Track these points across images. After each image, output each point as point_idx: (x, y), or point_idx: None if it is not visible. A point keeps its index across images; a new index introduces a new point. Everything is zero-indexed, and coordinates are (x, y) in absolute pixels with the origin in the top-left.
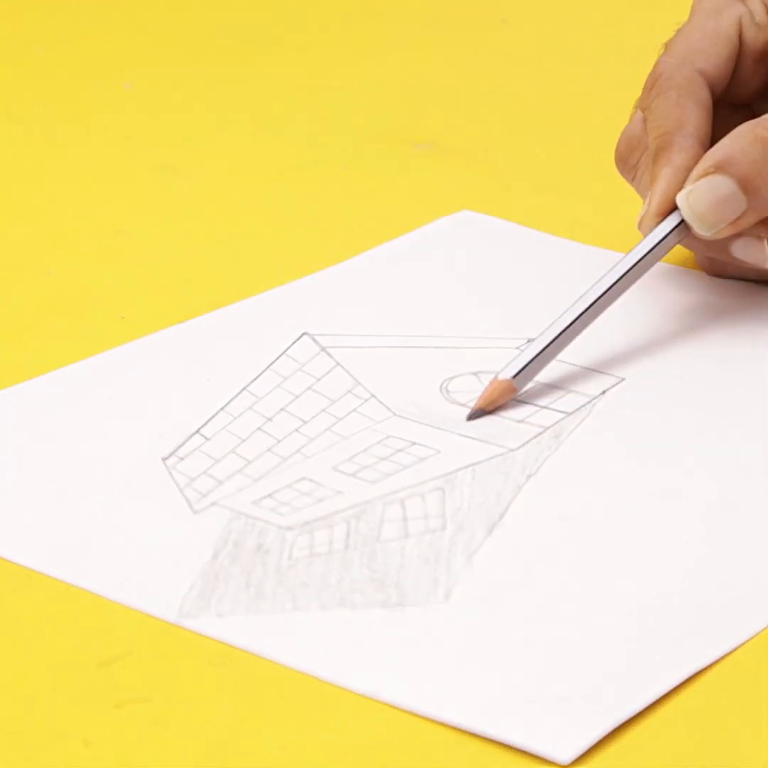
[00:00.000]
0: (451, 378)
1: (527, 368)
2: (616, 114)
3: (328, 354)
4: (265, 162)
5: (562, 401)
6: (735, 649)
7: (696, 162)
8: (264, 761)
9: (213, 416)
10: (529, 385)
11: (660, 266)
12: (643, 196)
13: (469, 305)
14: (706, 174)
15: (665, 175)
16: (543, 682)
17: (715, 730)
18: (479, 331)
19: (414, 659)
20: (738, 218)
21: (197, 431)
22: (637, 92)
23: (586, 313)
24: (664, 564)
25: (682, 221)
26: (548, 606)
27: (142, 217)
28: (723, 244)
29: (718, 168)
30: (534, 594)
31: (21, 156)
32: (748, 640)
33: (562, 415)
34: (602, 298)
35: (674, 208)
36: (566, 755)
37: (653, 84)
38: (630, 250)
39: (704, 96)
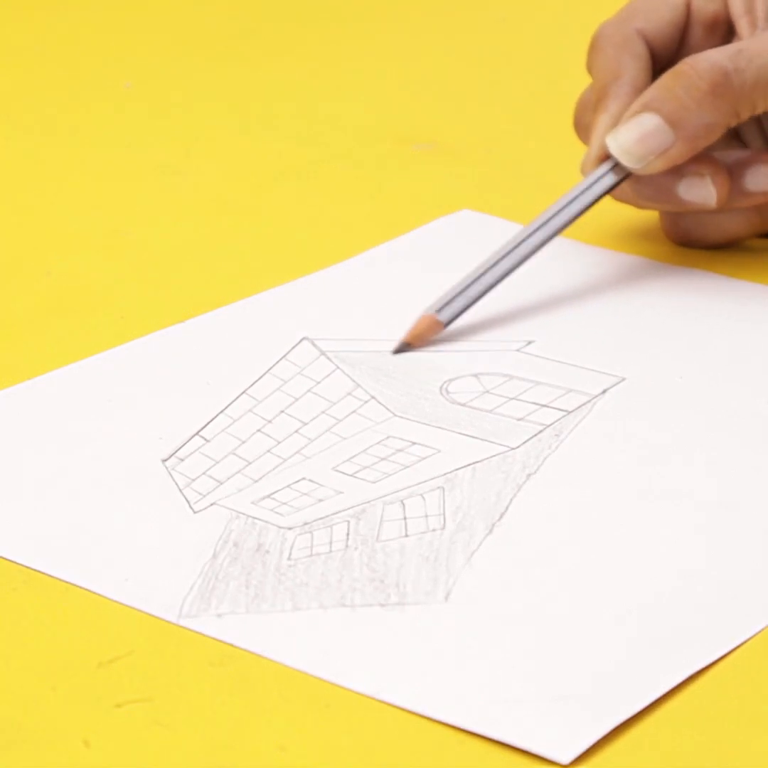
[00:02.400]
0: (451, 379)
1: (453, 302)
2: None
3: (328, 358)
4: (265, 162)
5: (563, 400)
6: (735, 649)
7: None
8: (264, 761)
9: (213, 419)
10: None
11: (662, 266)
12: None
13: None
14: (633, 114)
15: (602, 122)
16: (543, 682)
17: (715, 730)
18: (479, 332)
19: (414, 659)
20: (667, 150)
21: (197, 433)
22: None
23: (519, 247)
24: (664, 563)
25: (617, 164)
26: (548, 605)
27: (142, 217)
28: (669, 189)
29: (644, 107)
30: (534, 593)
31: (21, 156)
32: (748, 640)
33: (562, 414)
34: (535, 234)
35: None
36: (566, 755)
37: (593, 45)
38: (568, 189)
39: (640, 50)
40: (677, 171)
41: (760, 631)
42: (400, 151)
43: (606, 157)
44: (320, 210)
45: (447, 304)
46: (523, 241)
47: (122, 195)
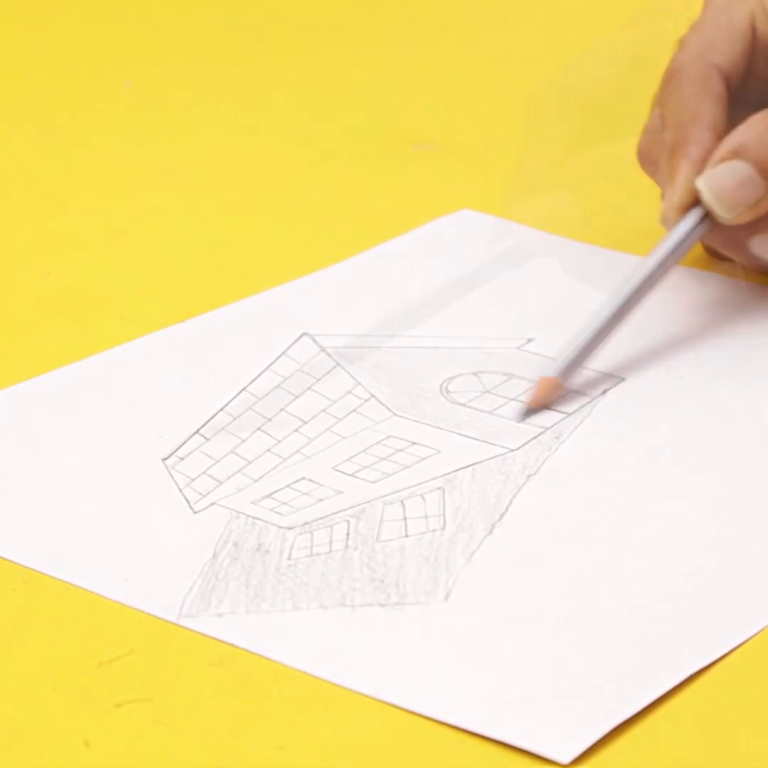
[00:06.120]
0: (451, 378)
1: (571, 364)
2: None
3: (328, 354)
4: (266, 162)
5: (563, 401)
6: (735, 649)
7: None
8: (264, 761)
9: (213, 416)
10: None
11: None
12: (664, 189)
13: (469, 305)
14: (723, 160)
15: (684, 168)
16: (543, 681)
17: (715, 730)
18: (479, 330)
19: (414, 659)
20: (757, 202)
21: (197, 431)
22: (636, 91)
23: (623, 307)
24: (664, 564)
25: (706, 215)
26: (548, 605)
27: (143, 217)
28: (741, 242)
29: (735, 154)
30: (534, 593)
31: (21, 156)
32: (748, 640)
33: (562, 416)
34: (636, 293)
35: (697, 201)
36: (566, 755)
37: (669, 79)
38: (657, 244)
39: (719, 89)
40: (753, 224)
41: (760, 631)
42: (400, 151)
43: (690, 204)
44: (320, 210)
45: (566, 367)
46: (628, 297)
47: (122, 195)
